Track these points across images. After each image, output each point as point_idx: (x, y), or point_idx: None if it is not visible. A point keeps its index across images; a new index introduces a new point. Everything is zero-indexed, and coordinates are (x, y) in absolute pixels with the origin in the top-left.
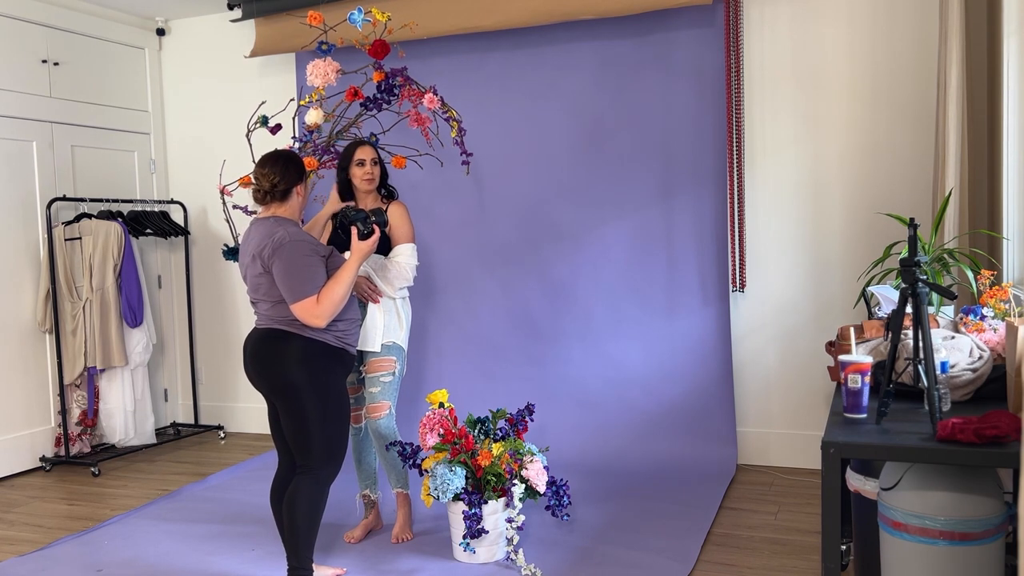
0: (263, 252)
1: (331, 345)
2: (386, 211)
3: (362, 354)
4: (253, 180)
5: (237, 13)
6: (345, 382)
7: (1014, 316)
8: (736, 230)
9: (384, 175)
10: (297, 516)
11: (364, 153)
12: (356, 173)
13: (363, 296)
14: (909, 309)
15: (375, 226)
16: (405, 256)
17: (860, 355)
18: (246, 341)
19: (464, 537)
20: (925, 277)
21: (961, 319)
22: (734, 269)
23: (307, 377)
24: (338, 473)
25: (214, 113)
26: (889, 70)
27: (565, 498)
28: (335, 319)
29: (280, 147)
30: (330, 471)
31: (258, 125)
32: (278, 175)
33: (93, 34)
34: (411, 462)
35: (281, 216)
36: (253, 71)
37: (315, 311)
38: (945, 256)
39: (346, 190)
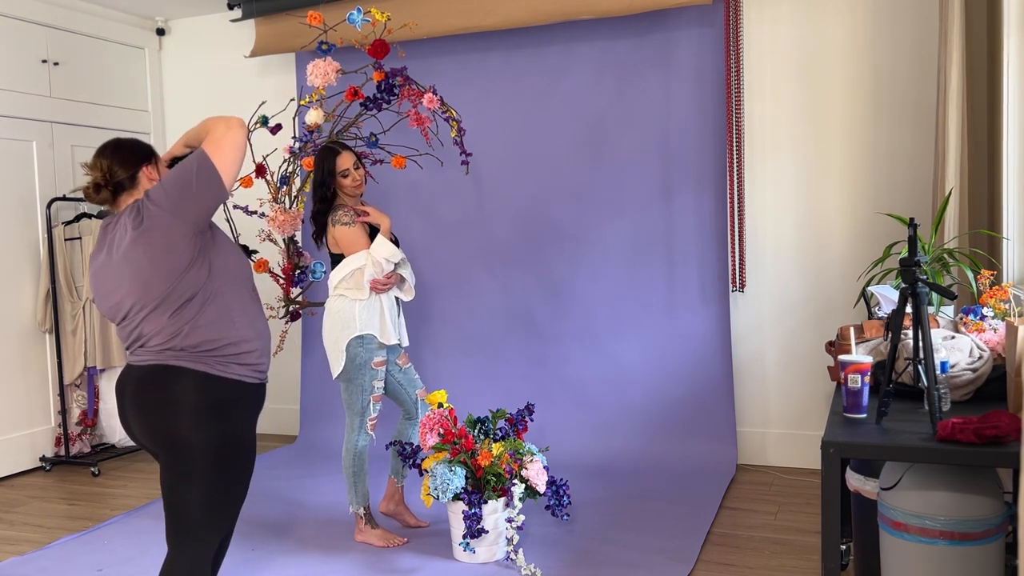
0: (137, 223)
1: (245, 382)
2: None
3: (388, 346)
4: (86, 175)
5: (237, 13)
6: (255, 427)
7: (1014, 316)
8: (736, 230)
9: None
10: None
11: (345, 162)
12: (344, 184)
13: (383, 286)
14: (909, 309)
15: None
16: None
17: (860, 355)
18: (121, 381)
19: (464, 537)
20: (925, 277)
21: (961, 319)
22: (734, 269)
23: (211, 434)
24: (216, 548)
25: (214, 113)
26: (889, 70)
27: (565, 498)
28: (247, 342)
29: (278, 147)
30: (213, 542)
31: (258, 125)
32: (108, 160)
33: (93, 34)
34: (411, 462)
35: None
36: (253, 71)
37: (223, 124)
38: (945, 256)
39: (327, 197)
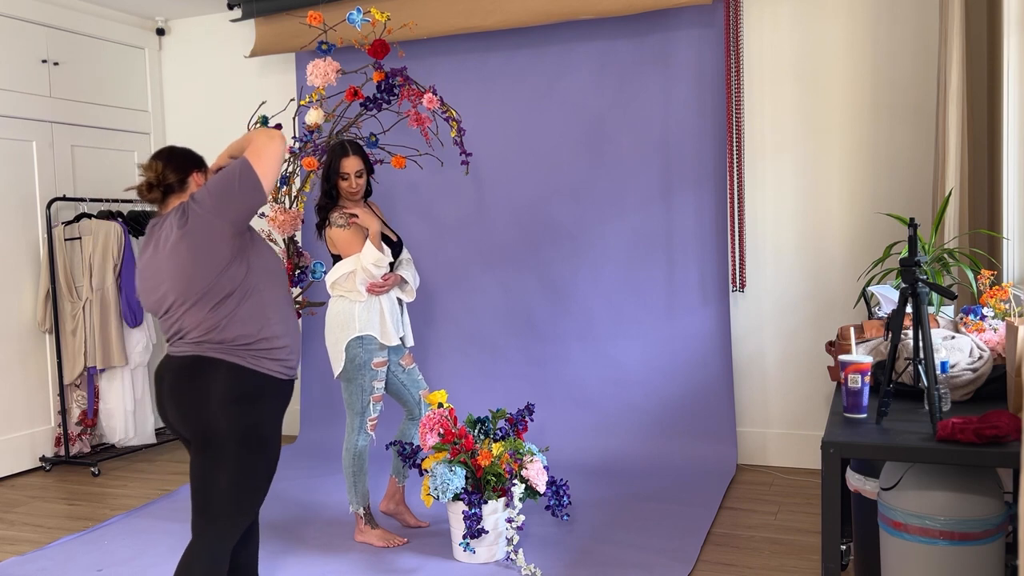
0: (182, 223)
1: (277, 378)
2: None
3: (391, 347)
4: (140, 175)
5: (237, 13)
6: (281, 422)
7: (1014, 316)
8: (736, 230)
9: (369, 170)
10: None
11: (349, 166)
12: (341, 186)
13: (381, 288)
14: (909, 309)
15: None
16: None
17: (860, 355)
18: (160, 370)
19: (464, 537)
20: (925, 277)
21: (961, 319)
22: (734, 269)
23: (240, 423)
24: (238, 537)
25: (214, 113)
26: (889, 70)
27: (565, 498)
28: (279, 339)
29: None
30: (235, 534)
31: (258, 125)
32: (162, 163)
33: (93, 34)
34: (411, 462)
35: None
36: (253, 71)
37: (264, 136)
38: (945, 256)
39: (332, 195)
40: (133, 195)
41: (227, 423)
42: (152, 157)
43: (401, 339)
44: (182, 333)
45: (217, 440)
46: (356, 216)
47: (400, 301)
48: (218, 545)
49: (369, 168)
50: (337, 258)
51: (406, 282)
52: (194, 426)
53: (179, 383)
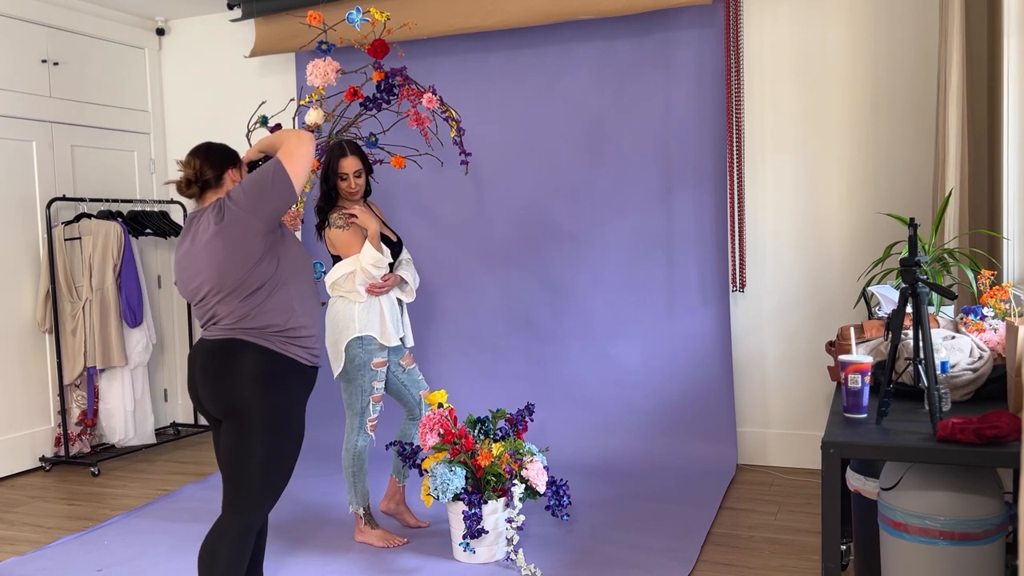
0: (218, 219)
1: (302, 363)
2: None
3: (391, 347)
4: (179, 171)
5: (237, 13)
6: (304, 408)
7: (1014, 316)
8: (736, 230)
9: (368, 171)
10: (218, 566)
11: (347, 167)
12: (340, 186)
13: (380, 289)
14: (909, 309)
15: None
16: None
17: (860, 355)
18: (193, 354)
19: (464, 537)
20: (925, 277)
21: (961, 319)
22: (734, 269)
23: (267, 400)
24: (266, 516)
25: (214, 113)
26: (889, 70)
27: (565, 498)
28: (305, 328)
29: None
30: (263, 513)
31: (258, 125)
32: (200, 160)
33: (93, 34)
34: (411, 462)
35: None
36: (253, 71)
37: (295, 137)
38: (945, 256)
39: (331, 196)
40: (132, 195)
41: (256, 399)
42: (190, 154)
43: (401, 339)
44: (216, 320)
45: (247, 415)
46: (355, 216)
47: (400, 301)
48: (246, 522)
49: (368, 168)
50: (337, 259)
51: (406, 282)
52: (225, 402)
53: (212, 362)
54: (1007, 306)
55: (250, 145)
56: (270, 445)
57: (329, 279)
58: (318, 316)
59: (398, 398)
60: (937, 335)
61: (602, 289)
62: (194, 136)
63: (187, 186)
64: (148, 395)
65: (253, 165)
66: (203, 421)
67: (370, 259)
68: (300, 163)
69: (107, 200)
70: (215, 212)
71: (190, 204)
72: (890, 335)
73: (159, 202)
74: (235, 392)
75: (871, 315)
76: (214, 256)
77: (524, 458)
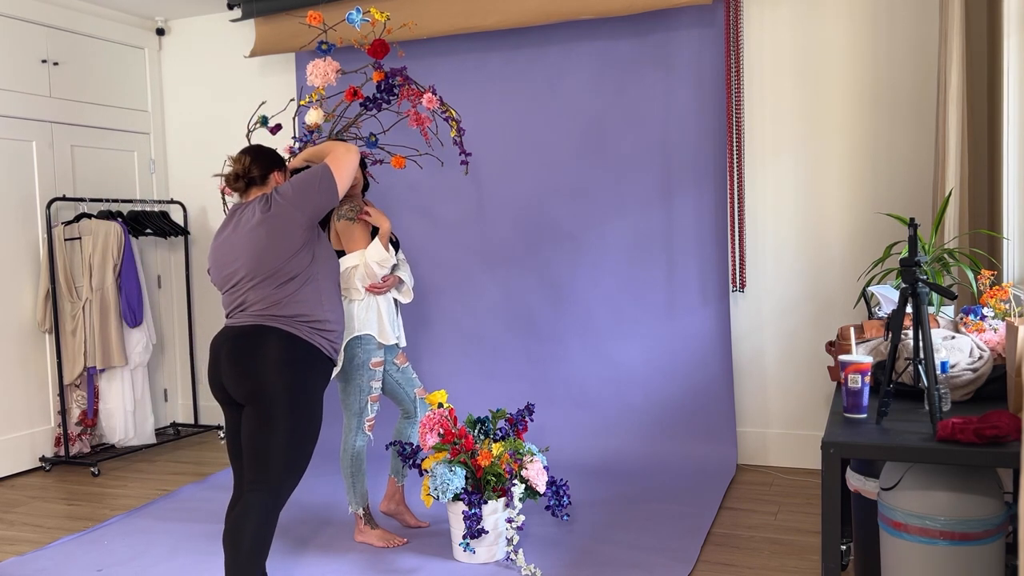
0: (265, 209)
1: (323, 352)
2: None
3: (386, 346)
4: (229, 166)
5: (237, 13)
6: (322, 396)
7: (1014, 316)
8: (736, 230)
9: (363, 166)
10: (244, 543)
11: None
12: None
13: (379, 289)
14: (909, 309)
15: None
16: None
17: (860, 355)
18: (217, 341)
19: (464, 537)
20: (925, 277)
21: (961, 319)
22: (734, 269)
23: (291, 383)
24: (287, 498)
25: (214, 113)
26: (889, 70)
27: (565, 498)
28: (330, 323)
29: (280, 147)
30: (286, 494)
31: (258, 125)
32: (250, 158)
33: (93, 34)
34: (411, 462)
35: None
36: (253, 71)
37: (343, 148)
38: (945, 256)
39: None
40: (132, 195)
41: (280, 381)
42: (241, 152)
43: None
44: (245, 306)
45: (272, 397)
46: (369, 214)
47: (396, 301)
48: (271, 501)
49: (363, 162)
50: (338, 254)
51: (403, 282)
52: (251, 384)
53: (239, 345)
54: (1007, 306)
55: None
56: (293, 427)
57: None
58: (342, 314)
59: (393, 397)
60: (937, 335)
61: (602, 289)
62: (194, 136)
63: (235, 180)
64: (148, 395)
65: (295, 172)
66: (203, 421)
67: (377, 256)
68: (346, 171)
69: (107, 200)
70: (262, 203)
71: (191, 204)
72: (890, 335)
73: (159, 202)
74: (261, 375)
75: (871, 315)
76: (256, 242)
77: (524, 458)
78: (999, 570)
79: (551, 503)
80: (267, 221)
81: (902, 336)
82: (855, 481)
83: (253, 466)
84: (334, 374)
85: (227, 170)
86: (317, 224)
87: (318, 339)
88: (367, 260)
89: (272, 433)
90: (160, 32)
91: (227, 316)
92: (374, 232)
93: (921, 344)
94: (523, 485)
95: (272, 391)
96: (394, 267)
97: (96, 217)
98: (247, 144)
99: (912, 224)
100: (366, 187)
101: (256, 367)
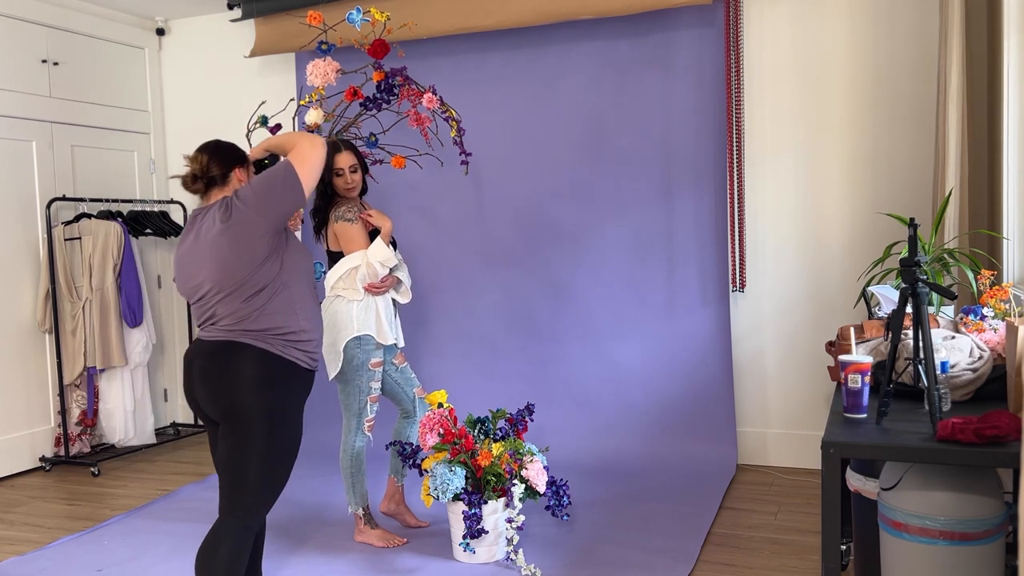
0: (225, 217)
1: (301, 366)
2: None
3: (385, 346)
4: (186, 166)
5: (237, 13)
6: (302, 411)
7: (1014, 316)
8: (736, 230)
9: (364, 169)
10: (217, 570)
11: (342, 162)
12: (337, 182)
13: (378, 289)
14: (909, 309)
15: None
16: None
17: (860, 355)
18: (190, 355)
19: (464, 537)
20: (925, 277)
21: (961, 319)
22: (734, 269)
23: (266, 402)
24: (263, 519)
25: (214, 113)
26: (889, 70)
27: (565, 498)
28: (306, 332)
29: None
30: (260, 517)
31: (258, 125)
32: (208, 156)
33: (93, 34)
34: (411, 462)
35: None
36: (253, 71)
37: (308, 142)
38: (945, 256)
39: (328, 194)
40: (132, 195)
41: (256, 402)
42: (197, 150)
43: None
44: (215, 319)
45: (246, 418)
46: (371, 215)
47: (394, 301)
48: (245, 524)
49: (363, 165)
50: (336, 256)
51: (401, 283)
52: (224, 405)
53: (210, 364)
54: (1007, 306)
55: (251, 145)
56: (268, 448)
57: (332, 276)
58: (319, 319)
59: (392, 397)
60: (937, 335)
61: (602, 289)
62: (194, 136)
63: (192, 181)
64: (148, 395)
65: (259, 164)
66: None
67: (380, 256)
68: (311, 168)
69: (107, 200)
70: (222, 210)
71: (191, 203)
72: (890, 335)
73: (159, 202)
74: (234, 395)
75: (871, 315)
76: (218, 254)
77: (524, 458)
78: (999, 570)
79: (551, 503)
80: (229, 231)
81: (902, 336)
82: (855, 481)
83: (227, 488)
84: (332, 374)
85: (183, 170)
86: (284, 228)
87: (294, 353)
88: (370, 260)
89: (247, 456)
90: (160, 32)
91: (198, 327)
92: (372, 233)
93: (921, 344)
94: (523, 485)
95: (247, 413)
96: (392, 268)
97: (96, 217)
98: (247, 144)
99: (912, 224)
100: (364, 190)
101: (229, 387)
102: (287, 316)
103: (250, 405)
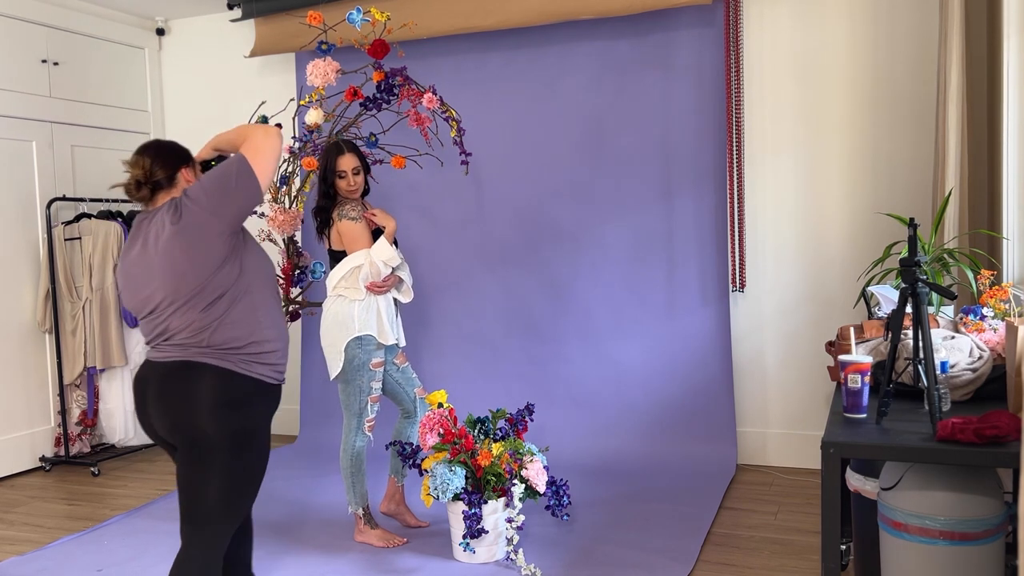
0: (175, 219)
1: (267, 383)
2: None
3: (386, 346)
4: (126, 171)
5: (237, 13)
6: (270, 425)
7: (1014, 316)
8: (736, 230)
9: (366, 170)
10: None
11: (345, 164)
12: (339, 184)
13: (380, 288)
14: (909, 309)
15: None
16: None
17: (860, 355)
18: (141, 379)
19: (464, 537)
20: (925, 277)
21: (961, 319)
22: (734, 269)
23: (230, 427)
24: (228, 542)
25: (214, 113)
26: (889, 70)
27: (565, 498)
28: (270, 342)
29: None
30: (225, 544)
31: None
32: (150, 159)
33: (93, 34)
34: (411, 462)
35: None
36: (253, 71)
37: (261, 132)
38: (945, 256)
39: (330, 195)
40: None
41: (218, 428)
42: (137, 153)
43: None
44: (168, 335)
45: (208, 446)
46: (375, 215)
47: (395, 301)
48: (209, 552)
49: (366, 166)
50: (338, 255)
51: (402, 282)
52: (184, 432)
53: (167, 388)
54: (1007, 306)
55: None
56: (233, 476)
57: (335, 276)
58: (284, 328)
59: (393, 397)
60: (937, 335)
61: (602, 289)
62: (194, 136)
63: (137, 188)
64: None
65: (206, 165)
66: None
67: (384, 255)
68: (267, 160)
69: (107, 200)
70: (171, 212)
71: None
72: (890, 335)
73: None
74: (195, 421)
75: (871, 315)
76: (170, 260)
77: (524, 458)
78: (999, 570)
79: (551, 503)
80: (180, 234)
81: (902, 336)
82: (855, 481)
83: (189, 517)
84: (333, 375)
85: (125, 177)
86: (242, 229)
87: (258, 369)
88: (373, 259)
89: (211, 486)
90: (160, 32)
91: (148, 345)
92: (375, 232)
93: (921, 344)
94: (523, 485)
95: (210, 440)
96: (394, 267)
97: (96, 217)
98: None
99: (912, 224)
100: (366, 191)
101: (189, 414)
102: (250, 326)
103: (213, 432)
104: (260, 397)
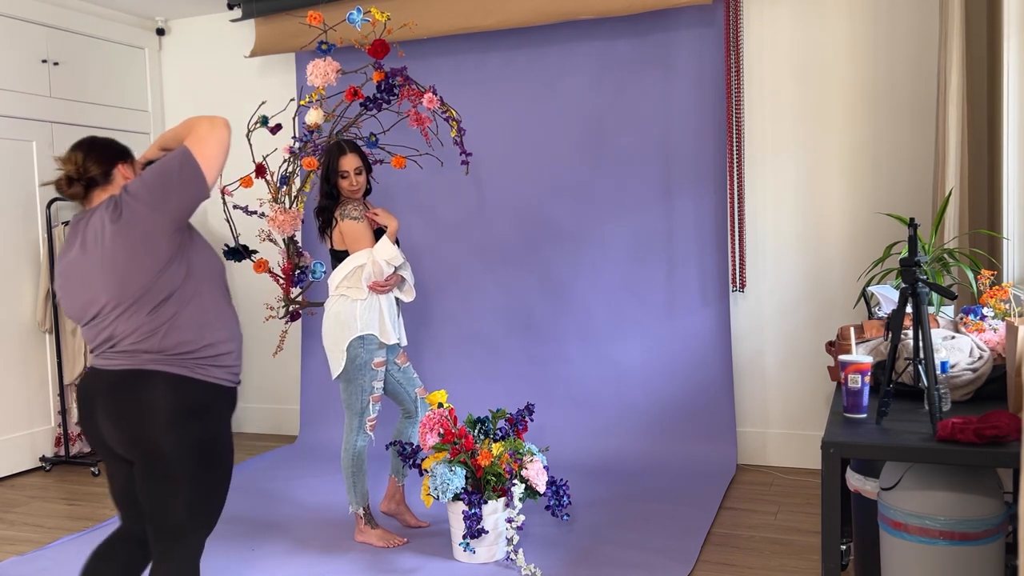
0: (115, 217)
1: (223, 386)
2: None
3: (387, 346)
4: (58, 168)
5: (237, 13)
6: (231, 428)
7: (1014, 316)
8: (736, 230)
9: (368, 170)
10: None
11: (348, 164)
12: (342, 184)
13: (382, 287)
14: (909, 309)
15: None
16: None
17: (860, 355)
18: (87, 390)
19: (464, 537)
20: (925, 277)
21: (961, 319)
22: (734, 269)
23: (188, 437)
24: (202, 551)
25: (214, 113)
26: (889, 70)
27: (565, 498)
28: (224, 343)
29: (278, 147)
30: (200, 549)
31: (258, 125)
32: (83, 154)
33: (93, 34)
34: (411, 462)
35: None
36: (253, 71)
37: (206, 123)
38: (945, 256)
39: (333, 195)
40: None
41: (179, 440)
42: (71, 148)
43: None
44: (113, 341)
45: (168, 460)
46: (377, 214)
47: (397, 300)
48: (187, 565)
49: (368, 166)
50: (339, 256)
51: (404, 281)
52: (141, 447)
53: (118, 401)
54: (1007, 306)
55: (250, 145)
56: (199, 485)
57: (337, 275)
58: (237, 328)
59: (394, 397)
60: (937, 335)
61: (602, 289)
62: None
63: (68, 184)
64: None
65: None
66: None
67: (386, 254)
68: (213, 152)
69: None
70: (110, 210)
71: None
72: (890, 335)
73: None
74: (150, 434)
75: (871, 315)
76: (112, 262)
77: (524, 458)
78: (999, 570)
79: (551, 503)
80: (121, 232)
81: (902, 336)
82: (855, 481)
83: (157, 536)
84: (335, 374)
85: (57, 174)
86: (188, 225)
87: (214, 373)
88: (376, 258)
89: (176, 501)
90: (160, 32)
91: (92, 353)
92: (377, 232)
93: (921, 344)
94: (523, 485)
95: (169, 452)
96: (396, 266)
97: None
98: (248, 144)
99: (912, 224)
100: (368, 191)
101: (144, 426)
102: (201, 327)
103: (174, 444)
104: (218, 402)
